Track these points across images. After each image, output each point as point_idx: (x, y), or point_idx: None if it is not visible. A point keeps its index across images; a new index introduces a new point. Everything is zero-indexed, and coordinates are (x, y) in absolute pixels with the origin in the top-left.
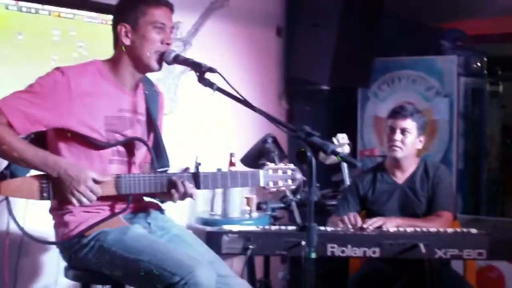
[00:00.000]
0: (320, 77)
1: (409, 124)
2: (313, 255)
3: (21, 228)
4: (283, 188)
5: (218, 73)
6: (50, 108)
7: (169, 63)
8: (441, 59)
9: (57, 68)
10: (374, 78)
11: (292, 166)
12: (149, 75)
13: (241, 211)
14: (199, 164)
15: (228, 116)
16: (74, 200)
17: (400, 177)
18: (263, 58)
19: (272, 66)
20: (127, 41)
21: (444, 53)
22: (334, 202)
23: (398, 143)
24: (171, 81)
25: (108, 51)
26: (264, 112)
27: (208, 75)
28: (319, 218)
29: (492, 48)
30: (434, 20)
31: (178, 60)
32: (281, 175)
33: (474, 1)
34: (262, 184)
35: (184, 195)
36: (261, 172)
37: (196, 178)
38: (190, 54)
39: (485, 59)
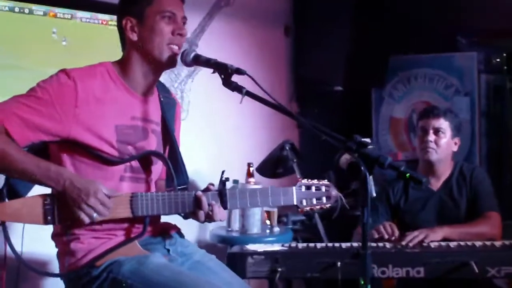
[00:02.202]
0: (332, 77)
1: (443, 123)
2: None
3: (19, 257)
4: (318, 207)
5: (248, 75)
6: (53, 115)
7: (188, 65)
8: (460, 56)
9: (63, 70)
10: (389, 77)
11: (326, 182)
12: None
13: (261, 226)
14: (227, 179)
15: (240, 121)
16: (83, 216)
17: (435, 184)
18: (271, 59)
19: (281, 67)
20: (134, 37)
21: (461, 50)
22: (358, 213)
23: (431, 144)
24: (176, 86)
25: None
26: (303, 119)
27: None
28: (343, 230)
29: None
30: (449, 16)
31: (199, 60)
32: (315, 193)
33: None
34: (295, 202)
35: (211, 215)
36: (294, 189)
37: (222, 197)
38: None
39: (504, 54)
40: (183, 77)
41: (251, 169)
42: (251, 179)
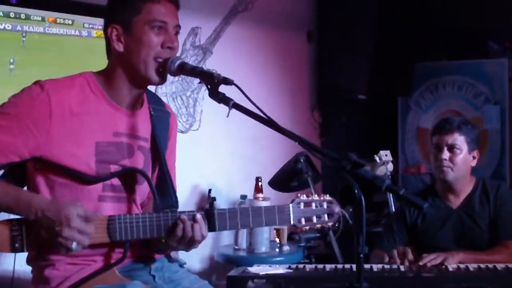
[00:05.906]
0: (357, 85)
1: (457, 138)
2: None
3: None
4: (318, 226)
5: (235, 85)
6: (25, 132)
7: (173, 74)
8: (490, 63)
9: (36, 83)
10: (416, 85)
11: (328, 197)
12: (162, 87)
13: (270, 244)
14: (214, 199)
15: (257, 133)
16: (61, 249)
17: (455, 201)
18: (293, 66)
19: (303, 74)
20: (119, 47)
21: (492, 56)
22: (378, 229)
23: (446, 163)
24: (189, 94)
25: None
26: (296, 135)
27: (223, 89)
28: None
29: None
30: (480, 20)
31: (185, 69)
32: (314, 210)
33: None
34: (292, 221)
35: (191, 241)
36: (291, 206)
37: (210, 217)
38: (211, 63)
39: None
40: (196, 85)
41: (260, 183)
42: (260, 195)
